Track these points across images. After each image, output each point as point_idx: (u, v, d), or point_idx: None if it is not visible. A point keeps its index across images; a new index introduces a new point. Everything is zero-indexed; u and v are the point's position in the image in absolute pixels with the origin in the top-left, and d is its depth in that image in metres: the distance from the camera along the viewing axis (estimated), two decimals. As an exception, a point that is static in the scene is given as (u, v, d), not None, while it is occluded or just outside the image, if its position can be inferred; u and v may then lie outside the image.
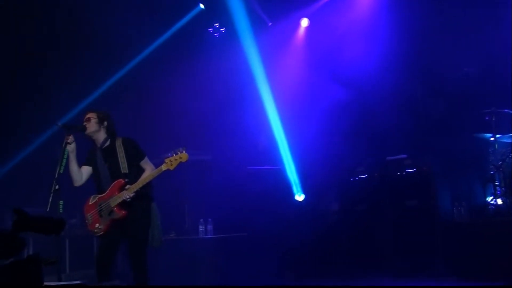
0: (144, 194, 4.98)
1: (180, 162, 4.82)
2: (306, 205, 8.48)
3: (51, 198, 4.64)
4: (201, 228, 7.59)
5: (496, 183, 7.31)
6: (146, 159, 5.07)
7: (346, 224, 8.19)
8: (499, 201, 7.28)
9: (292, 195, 8.52)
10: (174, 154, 4.85)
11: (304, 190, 8.56)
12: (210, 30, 9.73)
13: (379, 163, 8.15)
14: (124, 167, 4.95)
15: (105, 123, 5.09)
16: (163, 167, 4.84)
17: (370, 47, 8.46)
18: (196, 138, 8.80)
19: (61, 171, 4.76)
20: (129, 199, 4.84)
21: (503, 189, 7.18)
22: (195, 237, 7.62)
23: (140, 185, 4.86)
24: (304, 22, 9.46)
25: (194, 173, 8.33)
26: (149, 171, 4.99)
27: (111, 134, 5.11)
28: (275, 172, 8.55)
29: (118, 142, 5.05)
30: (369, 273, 7.38)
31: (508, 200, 7.05)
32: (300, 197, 8.51)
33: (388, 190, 7.81)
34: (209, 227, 7.59)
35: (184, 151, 4.83)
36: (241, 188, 8.05)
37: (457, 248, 6.93)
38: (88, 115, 5.08)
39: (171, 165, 4.81)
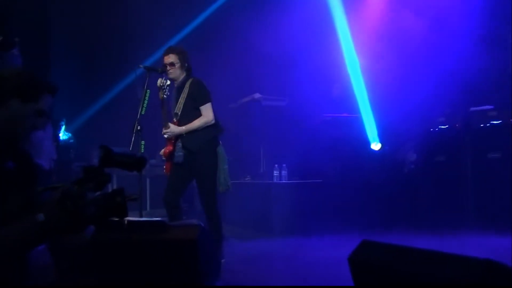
0: (210, 138, 5.03)
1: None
2: (382, 154, 8.35)
3: (133, 138, 4.83)
4: (275, 173, 7.68)
5: None
6: (207, 105, 4.98)
7: (423, 175, 8.02)
8: None
9: (368, 144, 8.41)
10: None
11: (381, 139, 8.41)
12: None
13: (462, 114, 7.85)
14: (179, 107, 5.01)
15: (186, 64, 5.12)
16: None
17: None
18: (273, 84, 8.81)
19: (143, 113, 4.93)
20: (166, 136, 4.99)
21: None
22: (270, 182, 7.74)
23: (177, 133, 4.95)
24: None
25: (271, 118, 8.39)
26: (200, 120, 4.97)
27: (188, 72, 5.15)
28: (351, 120, 8.43)
29: (188, 83, 5.07)
30: (445, 226, 7.23)
31: None
32: (376, 146, 8.38)
33: (470, 142, 7.53)
34: (284, 172, 7.67)
35: None
36: (316, 135, 8.03)
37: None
38: (171, 59, 5.00)
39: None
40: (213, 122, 5.02)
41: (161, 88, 4.97)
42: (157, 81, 5.04)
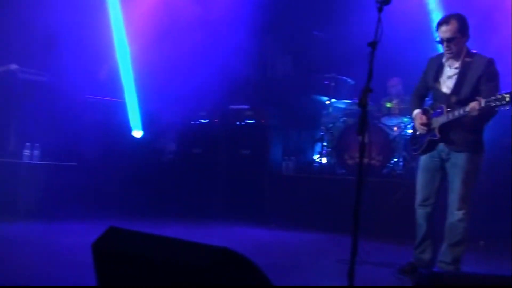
0: None
1: None
2: (143, 141, 8.36)
3: None
4: (26, 152, 7.13)
5: (324, 144, 7.87)
6: None
7: (181, 166, 8.24)
8: (324, 160, 7.87)
9: (130, 130, 8.34)
10: None
11: (144, 127, 8.42)
12: None
13: (221, 110, 8.27)
14: None
15: None
16: None
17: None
18: (38, 57, 8.15)
19: None
20: None
21: (329, 149, 7.74)
22: (19, 161, 7.15)
23: None
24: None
25: (27, 92, 7.76)
26: None
27: None
28: (115, 105, 8.27)
29: None
30: (197, 216, 7.54)
31: (331, 160, 7.63)
32: (138, 133, 8.36)
33: (226, 137, 7.99)
34: (36, 152, 7.16)
35: None
36: (77, 116, 7.68)
37: (282, 197, 7.41)
38: None
39: None
40: None
41: None
42: None
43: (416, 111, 4.54)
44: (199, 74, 8.29)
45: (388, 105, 7.64)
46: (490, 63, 4.22)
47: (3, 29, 8.25)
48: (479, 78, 4.18)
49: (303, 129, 8.52)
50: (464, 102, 4.17)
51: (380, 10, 3.36)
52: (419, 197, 4.52)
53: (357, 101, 3.27)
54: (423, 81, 4.63)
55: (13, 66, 7.82)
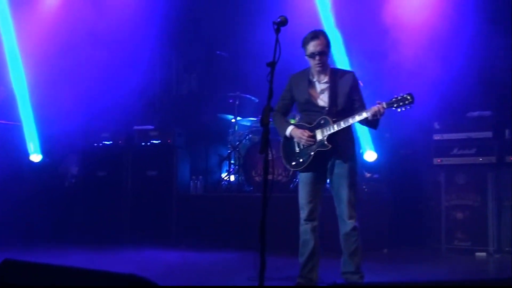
0: None
1: None
2: (43, 166, 7.98)
3: None
4: None
5: (231, 162, 7.89)
6: None
7: (84, 189, 7.94)
8: (232, 178, 7.88)
9: (27, 154, 7.93)
10: None
11: (42, 150, 8.04)
12: None
13: (126, 131, 8.09)
14: None
15: None
16: None
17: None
18: None
19: None
20: None
21: (236, 167, 7.77)
22: None
23: None
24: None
25: None
26: None
27: None
28: (10, 128, 7.85)
29: None
30: (103, 242, 7.28)
31: (239, 178, 7.66)
32: (36, 157, 7.96)
33: (131, 159, 7.80)
34: None
35: None
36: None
37: (190, 218, 7.33)
38: None
39: None
40: None
41: None
42: None
43: (292, 127, 4.50)
44: (101, 94, 8.06)
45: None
46: (355, 75, 4.48)
47: None
48: (351, 89, 4.39)
49: (210, 148, 8.51)
50: (342, 113, 4.33)
51: (277, 31, 3.44)
52: (305, 212, 4.40)
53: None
54: (286, 99, 4.62)
55: None
